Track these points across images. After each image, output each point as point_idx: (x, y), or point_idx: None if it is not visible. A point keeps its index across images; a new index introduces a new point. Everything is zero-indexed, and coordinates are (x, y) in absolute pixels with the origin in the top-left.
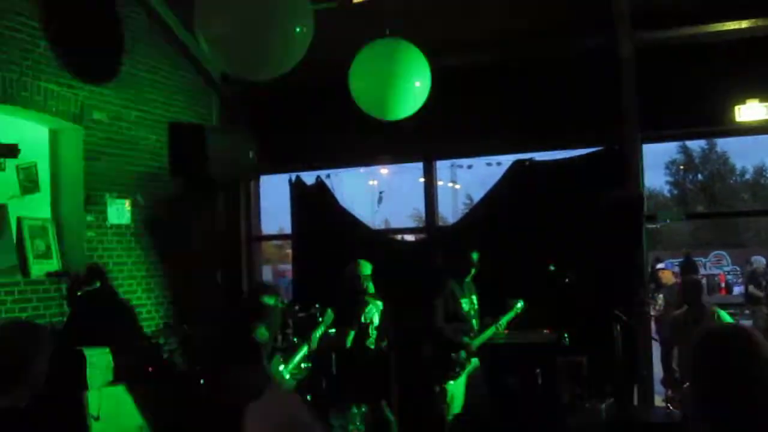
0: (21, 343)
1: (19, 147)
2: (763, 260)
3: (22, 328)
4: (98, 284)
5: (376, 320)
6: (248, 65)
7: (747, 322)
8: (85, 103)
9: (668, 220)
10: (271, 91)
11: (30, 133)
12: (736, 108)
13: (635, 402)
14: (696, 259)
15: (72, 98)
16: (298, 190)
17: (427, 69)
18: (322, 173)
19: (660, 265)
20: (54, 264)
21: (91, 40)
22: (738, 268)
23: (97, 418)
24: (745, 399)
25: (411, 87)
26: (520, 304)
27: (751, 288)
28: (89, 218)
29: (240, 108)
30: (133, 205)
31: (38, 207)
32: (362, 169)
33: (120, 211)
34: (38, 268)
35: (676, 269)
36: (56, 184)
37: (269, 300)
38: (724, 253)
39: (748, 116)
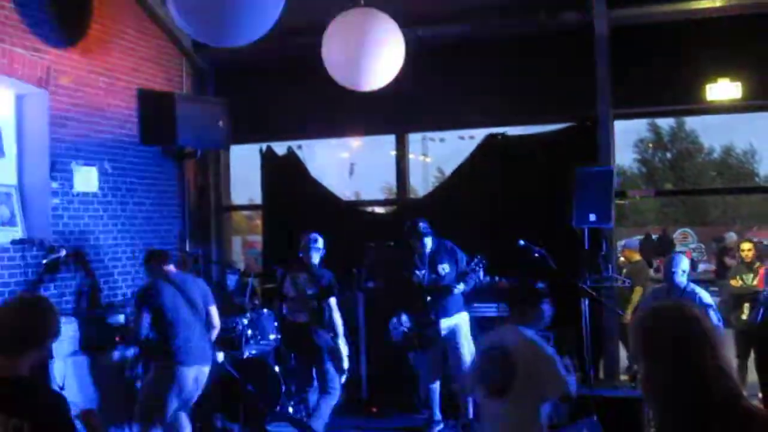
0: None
1: None
2: (735, 236)
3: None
4: (64, 253)
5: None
6: (217, 32)
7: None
8: (51, 67)
9: (637, 197)
10: (243, 60)
11: None
12: (707, 86)
13: (600, 376)
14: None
15: (38, 62)
16: (268, 160)
17: (400, 40)
18: (294, 144)
19: (621, 243)
20: (18, 231)
21: (58, 2)
22: (703, 246)
23: (62, 388)
24: (682, 377)
25: (384, 58)
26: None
27: (727, 259)
28: (54, 185)
29: (211, 76)
30: (101, 172)
31: (2, 173)
32: (334, 141)
33: (87, 179)
34: (2, 235)
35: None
36: (21, 150)
37: None
38: (690, 230)
39: (718, 95)
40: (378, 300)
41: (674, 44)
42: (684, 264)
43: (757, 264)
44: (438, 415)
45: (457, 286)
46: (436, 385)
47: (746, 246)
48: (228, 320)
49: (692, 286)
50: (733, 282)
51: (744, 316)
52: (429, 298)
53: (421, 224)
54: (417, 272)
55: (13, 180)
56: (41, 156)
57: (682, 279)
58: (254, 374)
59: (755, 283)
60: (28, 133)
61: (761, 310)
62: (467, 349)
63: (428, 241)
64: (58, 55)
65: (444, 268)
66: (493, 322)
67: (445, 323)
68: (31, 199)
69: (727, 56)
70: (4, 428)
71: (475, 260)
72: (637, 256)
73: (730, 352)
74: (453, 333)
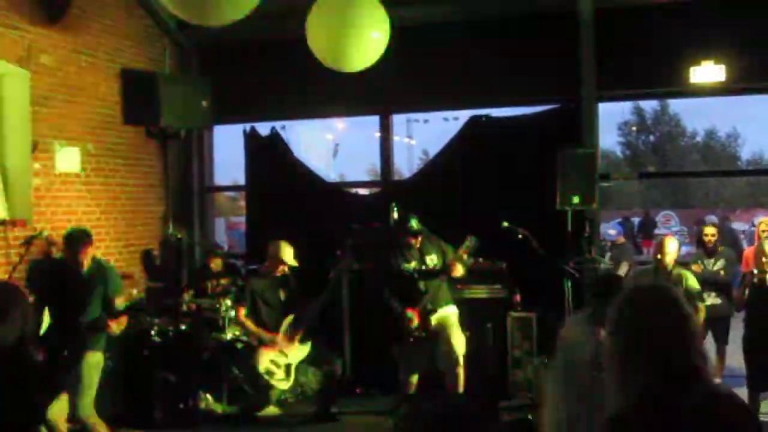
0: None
1: None
2: (716, 218)
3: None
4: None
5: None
6: (200, 10)
7: None
8: (32, 45)
9: (620, 179)
10: (227, 40)
11: None
12: (691, 69)
13: None
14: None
15: (18, 41)
16: (252, 141)
17: (385, 20)
18: (277, 124)
19: (611, 231)
20: (0, 211)
21: None
22: (686, 229)
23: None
24: (654, 358)
25: (368, 38)
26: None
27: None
28: (36, 165)
29: (194, 56)
30: (83, 153)
31: None
32: (318, 122)
33: (69, 159)
34: None
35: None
36: (2, 130)
37: None
38: (672, 213)
39: (702, 77)
40: (362, 282)
41: (658, 26)
42: (672, 247)
43: (720, 248)
44: None
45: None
46: (414, 379)
47: (710, 231)
48: (212, 302)
49: (679, 269)
50: (694, 267)
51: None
52: (423, 288)
53: (413, 221)
54: (407, 264)
55: None
56: (22, 136)
57: (669, 262)
58: (238, 355)
59: (716, 268)
60: (9, 113)
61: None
62: (458, 341)
63: (420, 238)
64: (39, 33)
65: (432, 260)
66: (487, 305)
67: (436, 315)
68: (12, 180)
69: (711, 39)
70: None
71: (467, 243)
72: (621, 239)
73: (702, 341)
74: (441, 324)
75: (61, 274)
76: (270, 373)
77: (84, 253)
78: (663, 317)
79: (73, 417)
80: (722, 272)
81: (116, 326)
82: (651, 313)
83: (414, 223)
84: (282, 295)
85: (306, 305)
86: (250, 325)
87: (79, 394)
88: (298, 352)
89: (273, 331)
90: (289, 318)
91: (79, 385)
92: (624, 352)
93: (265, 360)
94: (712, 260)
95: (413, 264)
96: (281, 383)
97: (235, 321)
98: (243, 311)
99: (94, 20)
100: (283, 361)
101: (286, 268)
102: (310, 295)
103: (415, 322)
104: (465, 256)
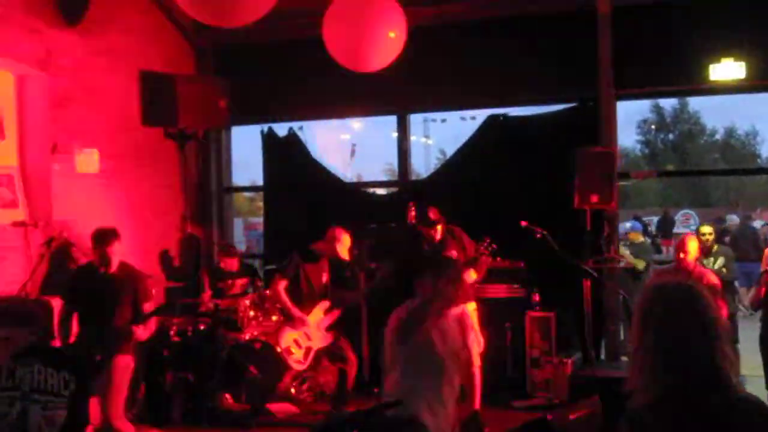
0: None
1: None
2: (737, 218)
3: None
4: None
5: None
6: (218, 12)
7: None
8: (51, 48)
9: (640, 178)
10: (245, 42)
11: None
12: (711, 66)
13: (602, 357)
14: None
15: (38, 44)
16: (270, 141)
17: (402, 20)
18: (295, 125)
19: (627, 225)
20: (20, 213)
21: None
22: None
23: None
24: (680, 357)
25: (385, 39)
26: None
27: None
28: (56, 167)
29: (212, 57)
30: (102, 154)
31: (4, 155)
32: (335, 122)
33: (88, 161)
34: (4, 217)
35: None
36: (23, 132)
37: None
38: (692, 212)
39: (722, 75)
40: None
41: (677, 24)
42: (693, 246)
43: (715, 248)
44: None
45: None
46: None
47: (707, 230)
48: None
49: (700, 267)
50: None
51: None
52: None
53: (432, 212)
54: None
55: (14, 162)
56: (42, 138)
57: (690, 261)
58: (256, 355)
59: (717, 267)
60: (29, 115)
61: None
62: (473, 337)
63: (439, 229)
64: (58, 36)
65: (452, 254)
66: (505, 304)
67: (452, 312)
68: (32, 181)
69: (731, 35)
70: None
71: (485, 244)
72: (640, 238)
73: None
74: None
75: (91, 278)
76: (289, 351)
77: (112, 249)
78: (692, 318)
79: (104, 420)
80: (724, 270)
81: (144, 332)
82: (680, 312)
83: (432, 213)
84: (324, 278)
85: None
86: (285, 298)
87: (110, 396)
88: (323, 339)
89: (305, 311)
90: (324, 304)
91: (110, 387)
92: (651, 349)
93: (288, 338)
94: (711, 259)
95: None
96: (297, 364)
97: (272, 293)
98: (283, 283)
99: (113, 22)
100: (305, 343)
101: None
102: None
103: None
104: (481, 257)
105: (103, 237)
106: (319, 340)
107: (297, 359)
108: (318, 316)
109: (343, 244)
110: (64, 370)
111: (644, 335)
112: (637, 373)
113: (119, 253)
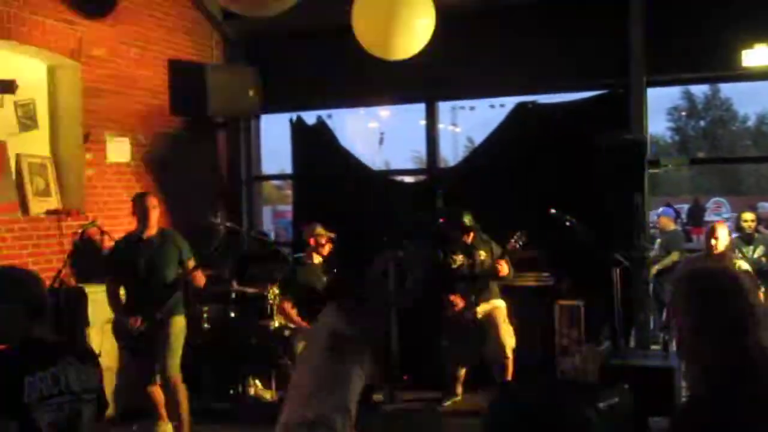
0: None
1: (17, 83)
2: None
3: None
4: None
5: None
6: (249, 2)
7: None
8: (83, 38)
9: (670, 166)
10: (273, 29)
11: (28, 69)
12: (743, 52)
13: (631, 346)
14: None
15: (70, 34)
16: (298, 130)
17: (431, 8)
18: (323, 113)
19: (658, 211)
20: (53, 202)
21: None
22: (737, 215)
23: (99, 355)
24: (729, 341)
25: (414, 26)
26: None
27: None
28: (88, 156)
29: (241, 46)
30: (134, 143)
31: (37, 145)
32: (362, 111)
33: (120, 149)
34: (38, 206)
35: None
36: (55, 121)
37: None
38: (723, 200)
39: (754, 61)
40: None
41: (709, 9)
42: (723, 233)
43: (756, 235)
44: (458, 390)
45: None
46: (462, 372)
47: (749, 216)
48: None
49: (731, 255)
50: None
51: None
52: (467, 284)
53: (466, 218)
54: (454, 257)
55: (47, 151)
56: (74, 127)
57: (721, 248)
58: (286, 342)
59: (756, 255)
60: (61, 105)
61: None
62: (505, 332)
63: (472, 234)
64: (90, 26)
65: (481, 255)
66: (534, 293)
67: (482, 308)
68: (65, 170)
69: (764, 21)
70: None
71: (517, 235)
72: (672, 225)
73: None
74: (491, 317)
75: (135, 246)
76: None
77: (153, 209)
78: (743, 302)
79: (163, 377)
80: (764, 259)
81: (200, 278)
82: (730, 296)
83: (467, 220)
84: (323, 282)
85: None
86: (297, 319)
87: (167, 356)
88: None
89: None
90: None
91: (167, 347)
92: (693, 333)
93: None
94: (751, 247)
95: (460, 258)
96: None
97: (281, 311)
98: (288, 305)
99: (144, 12)
100: None
101: (323, 249)
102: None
103: (459, 304)
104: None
105: (143, 199)
106: None
107: None
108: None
109: (312, 233)
110: (92, 364)
111: (688, 319)
112: (689, 359)
113: (157, 218)
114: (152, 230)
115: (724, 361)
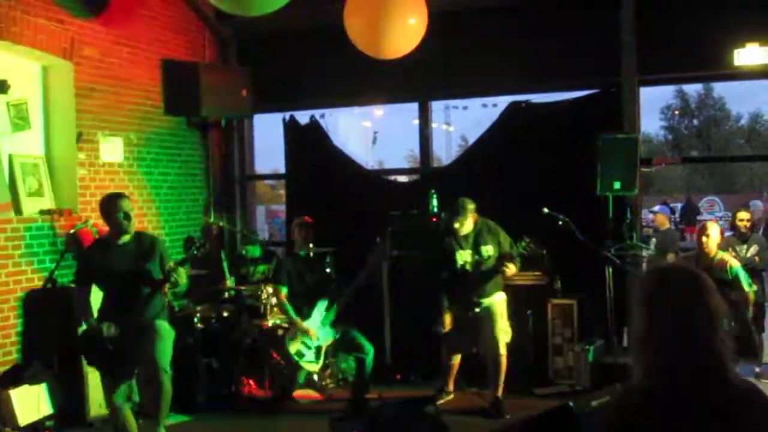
0: None
1: (9, 83)
2: (761, 204)
3: None
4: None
5: None
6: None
7: None
8: (75, 38)
9: (663, 165)
10: (266, 29)
11: (20, 69)
12: (735, 51)
13: (624, 345)
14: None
15: (62, 34)
16: (291, 129)
17: (423, 7)
18: (317, 113)
19: (655, 209)
20: (46, 201)
21: None
22: (729, 214)
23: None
24: (681, 342)
25: (407, 25)
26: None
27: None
28: (81, 156)
29: (233, 46)
30: (126, 143)
31: (30, 145)
32: (356, 110)
33: (113, 149)
34: (31, 206)
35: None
36: (48, 121)
37: None
38: (716, 199)
39: (747, 60)
40: (402, 269)
41: (701, 7)
42: (714, 231)
43: (750, 235)
44: (450, 386)
45: (509, 270)
46: (456, 360)
47: (744, 216)
48: (254, 288)
49: (722, 254)
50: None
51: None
52: (470, 281)
53: (470, 205)
54: (458, 253)
55: (40, 151)
56: (67, 127)
57: (712, 247)
58: (279, 341)
59: (750, 254)
60: (54, 105)
61: None
62: (501, 327)
63: (469, 221)
64: (82, 26)
65: (487, 250)
66: (527, 291)
67: (483, 302)
68: (58, 170)
69: (756, 20)
70: None
71: (524, 243)
72: (667, 224)
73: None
74: (488, 311)
75: (108, 251)
76: (300, 354)
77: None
78: (694, 304)
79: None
80: (756, 258)
81: (181, 277)
82: (682, 297)
83: (465, 204)
84: (312, 276)
85: (342, 290)
86: (290, 310)
87: (157, 356)
88: (329, 335)
89: (303, 311)
90: (324, 301)
91: (155, 348)
92: (647, 331)
93: (297, 341)
94: (745, 246)
95: (466, 252)
96: (310, 365)
97: (277, 302)
98: (284, 291)
99: (136, 12)
100: (313, 343)
101: (308, 238)
102: (349, 281)
103: (447, 327)
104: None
105: (112, 201)
106: (326, 336)
107: (309, 360)
108: (319, 314)
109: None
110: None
111: (644, 319)
112: (637, 357)
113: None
114: (128, 234)
115: (661, 365)
